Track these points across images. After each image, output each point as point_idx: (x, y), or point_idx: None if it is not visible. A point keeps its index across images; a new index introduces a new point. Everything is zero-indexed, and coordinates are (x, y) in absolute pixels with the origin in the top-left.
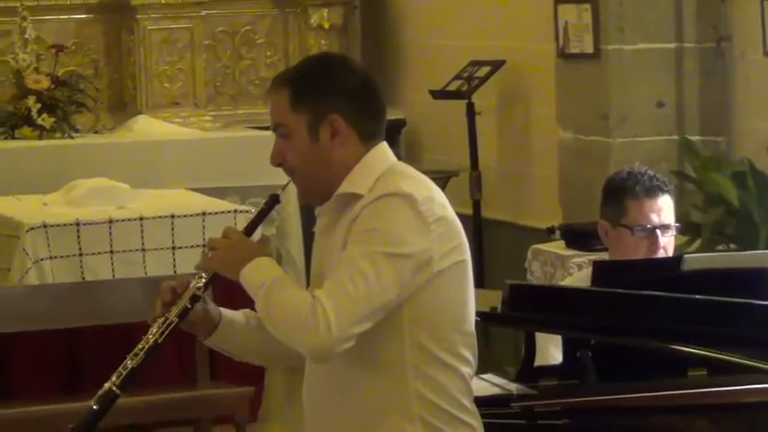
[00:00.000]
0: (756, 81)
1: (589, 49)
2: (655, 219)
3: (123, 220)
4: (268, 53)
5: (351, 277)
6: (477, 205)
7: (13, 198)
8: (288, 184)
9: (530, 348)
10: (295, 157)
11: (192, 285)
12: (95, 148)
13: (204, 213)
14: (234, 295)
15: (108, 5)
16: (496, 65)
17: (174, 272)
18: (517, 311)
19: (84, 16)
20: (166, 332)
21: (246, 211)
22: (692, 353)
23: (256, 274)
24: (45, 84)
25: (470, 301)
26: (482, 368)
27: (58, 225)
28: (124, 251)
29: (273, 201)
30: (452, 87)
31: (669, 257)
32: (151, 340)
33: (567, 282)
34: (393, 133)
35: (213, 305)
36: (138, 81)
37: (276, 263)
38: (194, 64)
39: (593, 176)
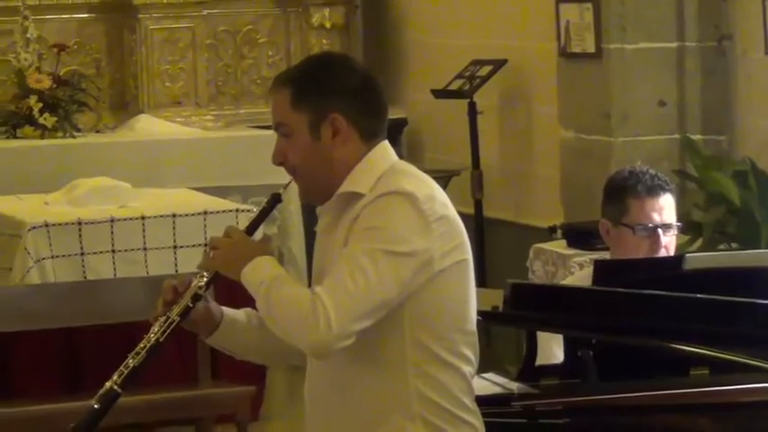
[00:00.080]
0: (758, 80)
1: (591, 48)
2: (656, 218)
3: (125, 220)
4: (270, 52)
5: (351, 274)
6: (478, 204)
7: (14, 197)
8: (289, 183)
9: (531, 347)
10: (296, 157)
11: (193, 284)
12: (97, 147)
13: (206, 212)
14: (235, 294)
15: (110, 5)
16: (498, 64)
17: (176, 271)
18: (518, 310)
19: (85, 15)
20: (168, 331)
21: (248, 211)
22: (693, 352)
23: (257, 273)
24: (47, 83)
25: (472, 301)
26: (483, 367)
27: (59, 224)
28: (126, 250)
29: (275, 200)
30: (454, 86)
31: (670, 257)
32: (153, 339)
33: (569, 281)
34: (395, 132)
35: (215, 304)
36: (140, 80)
37: (277, 262)
38: (196, 63)
39: (595, 175)
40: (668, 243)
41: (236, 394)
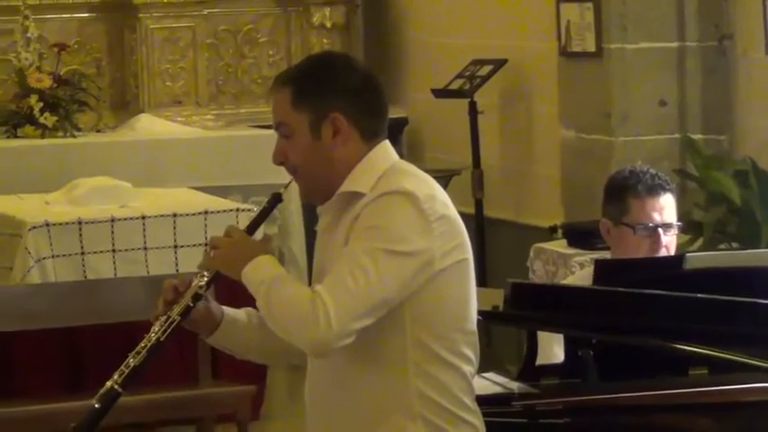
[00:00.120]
0: (758, 79)
1: (591, 47)
2: (657, 217)
3: (125, 219)
4: (270, 52)
5: (351, 273)
6: (479, 204)
7: (15, 197)
8: (290, 182)
9: (531, 347)
10: (297, 156)
11: (194, 284)
12: (98, 146)
13: (206, 212)
14: (236, 293)
15: (110, 4)
16: (498, 63)
17: (176, 271)
18: (519, 310)
19: (86, 15)
20: (169, 331)
21: (249, 210)
22: (693, 351)
23: (257, 272)
24: (47, 82)
25: (472, 300)
26: (484, 367)
27: (60, 224)
28: (126, 250)
29: (276, 199)
30: (454, 86)
31: (671, 256)
32: (153, 339)
33: (569, 280)
34: (395, 132)
35: (215, 303)
36: (141, 80)
37: (278, 261)
38: (196, 63)
39: (596, 175)
40: (669, 243)
41: (237, 394)
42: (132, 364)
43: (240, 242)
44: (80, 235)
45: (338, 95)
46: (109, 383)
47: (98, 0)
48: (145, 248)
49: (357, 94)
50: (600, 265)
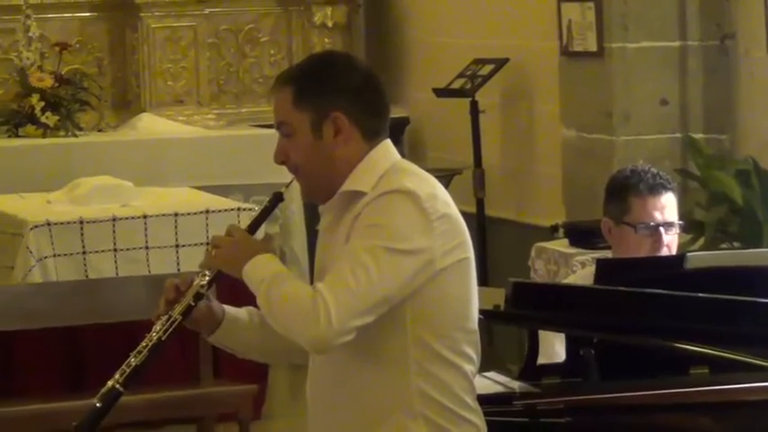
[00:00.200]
0: (760, 79)
1: (593, 47)
2: (658, 216)
3: (127, 219)
4: (272, 51)
5: (352, 270)
6: (480, 203)
7: (16, 196)
8: (291, 182)
9: (533, 346)
10: (298, 155)
11: (195, 283)
12: (99, 146)
13: (208, 211)
14: (237, 292)
15: (112, 4)
16: (500, 63)
17: (178, 270)
18: (520, 309)
19: (87, 14)
20: (170, 330)
21: (250, 209)
22: (695, 351)
23: (258, 271)
24: (49, 82)
25: (473, 299)
26: (485, 366)
27: (61, 223)
28: (128, 249)
29: (277, 199)
30: (456, 85)
31: (672, 255)
32: (155, 338)
33: (571, 280)
34: (396, 131)
35: (216, 302)
36: (142, 79)
37: (278, 260)
38: (198, 62)
39: (597, 174)
40: (670, 242)
41: (238, 393)
42: (134, 364)
43: (241, 241)
44: (81, 234)
45: (339, 95)
46: (110, 383)
47: None
48: (146, 248)
49: (358, 93)
50: (601, 265)
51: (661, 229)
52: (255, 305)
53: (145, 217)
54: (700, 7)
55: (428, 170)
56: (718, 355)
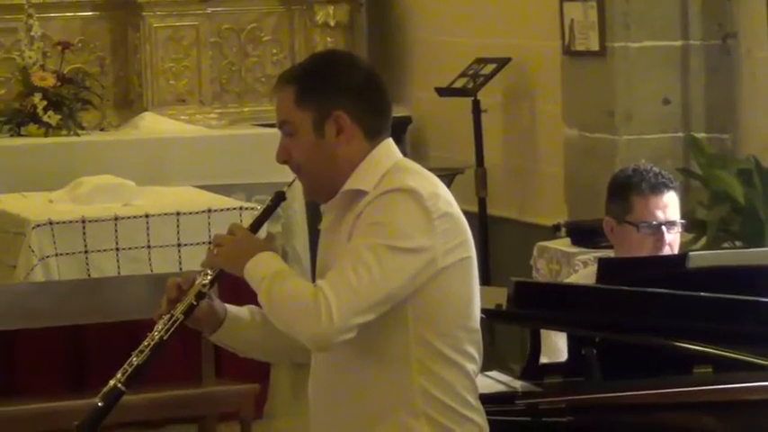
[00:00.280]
0: (762, 78)
1: (595, 46)
2: (660, 215)
3: (129, 218)
4: (274, 50)
5: (354, 268)
6: (482, 202)
7: (19, 195)
8: (293, 181)
9: (535, 345)
10: (301, 155)
11: (197, 282)
12: (101, 145)
13: (210, 210)
14: (239, 291)
15: (114, 3)
16: (502, 62)
17: (180, 269)
18: (522, 309)
19: (90, 13)
20: (172, 329)
21: (252, 209)
22: (697, 350)
23: (259, 269)
24: (51, 81)
25: (475, 298)
26: (487, 365)
27: (63, 222)
28: (130, 248)
29: (279, 198)
30: (458, 85)
31: (674, 255)
32: (156, 337)
33: (573, 279)
34: (399, 131)
35: (218, 301)
36: (144, 78)
37: (280, 258)
38: (200, 61)
39: (599, 174)
40: (672, 241)
41: (240, 392)
42: (135, 363)
43: (243, 240)
44: (84, 233)
45: (342, 94)
46: (112, 382)
47: None
48: (148, 247)
49: (360, 92)
50: (603, 264)
51: (663, 228)
52: (257, 304)
53: (147, 216)
54: (702, 7)
55: (430, 169)
56: (721, 354)
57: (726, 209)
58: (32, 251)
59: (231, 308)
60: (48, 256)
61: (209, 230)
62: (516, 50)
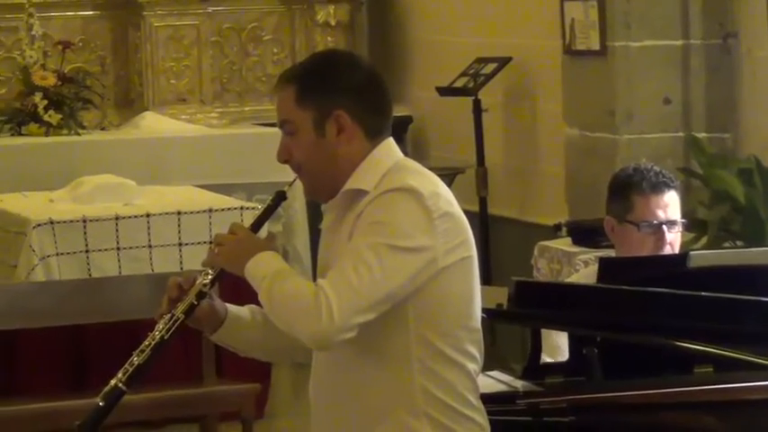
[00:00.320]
0: (763, 78)
1: (595, 45)
2: (661, 215)
3: (130, 217)
4: (275, 50)
5: (354, 268)
6: (483, 202)
7: (19, 195)
8: (294, 180)
9: (536, 345)
10: (301, 154)
11: (198, 282)
12: (102, 144)
13: (211, 210)
14: (240, 291)
15: (114, 2)
16: (503, 62)
17: (181, 268)
18: (523, 308)
19: (90, 13)
20: (173, 329)
21: (253, 208)
22: (698, 350)
23: (260, 268)
24: (52, 80)
25: (476, 298)
26: (488, 365)
27: (64, 222)
28: (131, 248)
29: (280, 197)
30: (459, 84)
31: (675, 254)
32: (157, 337)
33: (574, 278)
34: (399, 130)
35: (219, 301)
36: (145, 78)
37: (281, 257)
38: (201, 61)
39: (600, 173)
40: (673, 240)
41: (241, 392)
42: (136, 363)
43: (244, 239)
44: (85, 233)
45: (342, 93)
46: (113, 382)
47: None
48: (149, 246)
49: (361, 91)
50: (604, 263)
51: (664, 227)
52: (258, 303)
53: (148, 216)
54: (702, 6)
55: (431, 169)
56: (722, 354)
57: (726, 208)
58: (33, 251)
59: (232, 307)
60: (48, 256)
61: (210, 230)
62: (517, 50)
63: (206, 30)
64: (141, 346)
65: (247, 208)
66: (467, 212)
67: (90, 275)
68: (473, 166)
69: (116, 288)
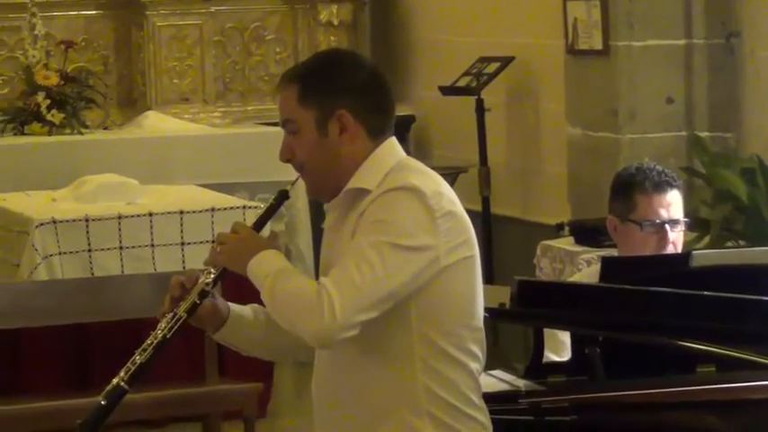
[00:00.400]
0: (766, 77)
1: (598, 45)
2: (664, 214)
3: (132, 216)
4: (277, 49)
5: (357, 266)
6: (486, 201)
7: (22, 194)
8: (297, 179)
9: (538, 344)
10: (304, 153)
11: (200, 281)
12: (105, 144)
13: (213, 209)
14: (242, 290)
15: (117, 2)
16: (505, 61)
17: (183, 268)
18: (526, 308)
19: (93, 12)
20: (175, 327)
21: (255, 207)
22: (700, 349)
23: (262, 266)
24: (54, 80)
25: (479, 297)
26: (490, 364)
27: (67, 221)
28: (133, 247)
29: (282, 196)
30: (461, 83)
31: (678, 254)
32: (160, 336)
33: (576, 278)
34: (402, 129)
35: (222, 300)
36: (148, 77)
37: (283, 256)
38: (203, 60)
39: (602, 172)
40: (676, 239)
41: (244, 391)
42: (139, 362)
43: (247, 238)
44: (87, 232)
45: (345, 93)
46: (115, 380)
47: None
48: (152, 245)
49: (364, 91)
50: (607, 263)
51: (667, 226)
52: (260, 303)
53: (150, 215)
54: (705, 5)
55: (434, 168)
56: (724, 353)
57: (729, 208)
58: (36, 250)
59: (234, 306)
60: (51, 255)
61: (213, 229)
62: (520, 49)
63: (209, 29)
64: (144, 345)
65: (250, 207)
66: (469, 212)
67: (92, 274)
68: (476, 165)
69: (118, 287)
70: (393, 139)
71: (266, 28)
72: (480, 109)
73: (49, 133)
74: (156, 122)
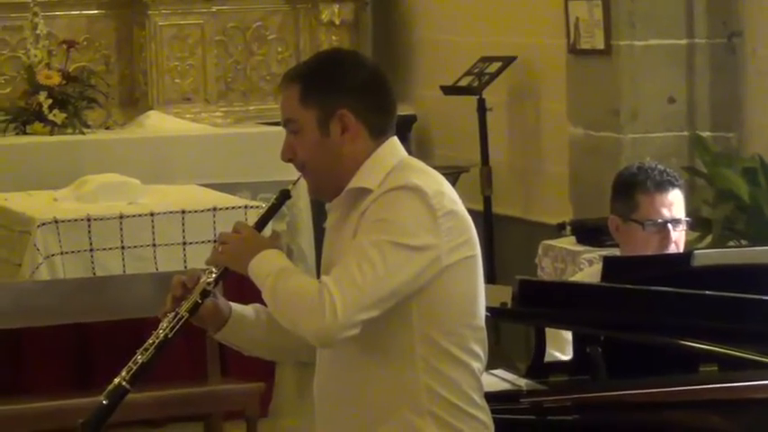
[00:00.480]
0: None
1: (600, 44)
2: (666, 213)
3: (134, 216)
4: (279, 49)
5: (358, 265)
6: (487, 201)
7: (24, 194)
8: (298, 179)
9: (540, 344)
10: (305, 153)
11: (202, 280)
12: (106, 143)
13: (215, 209)
14: (244, 289)
15: (119, 1)
16: (507, 61)
17: (185, 267)
18: (527, 307)
19: (95, 12)
20: (177, 327)
21: (257, 207)
22: (702, 349)
23: (264, 266)
24: (56, 79)
25: (480, 297)
26: (492, 364)
27: (68, 220)
28: (135, 247)
29: (284, 196)
30: (463, 83)
31: (679, 253)
32: (161, 335)
33: (578, 277)
34: (404, 129)
35: (223, 300)
36: (150, 77)
37: (285, 255)
38: (205, 60)
39: (604, 172)
40: (678, 238)
41: (245, 390)
42: (140, 361)
43: (249, 238)
44: (89, 232)
45: (346, 92)
46: (117, 380)
47: None
48: (153, 245)
49: (365, 91)
50: (608, 262)
51: (669, 225)
52: (262, 302)
53: (152, 214)
54: (707, 5)
55: (435, 168)
56: (726, 352)
57: (731, 207)
58: (38, 249)
59: (236, 306)
60: (53, 255)
61: (214, 229)
62: (521, 49)
63: (210, 29)
64: (145, 345)
65: (251, 207)
66: (471, 211)
67: (94, 274)
68: (477, 165)
69: (120, 287)
70: (394, 139)
71: (268, 27)
72: (482, 108)
73: (51, 133)
74: (158, 122)
